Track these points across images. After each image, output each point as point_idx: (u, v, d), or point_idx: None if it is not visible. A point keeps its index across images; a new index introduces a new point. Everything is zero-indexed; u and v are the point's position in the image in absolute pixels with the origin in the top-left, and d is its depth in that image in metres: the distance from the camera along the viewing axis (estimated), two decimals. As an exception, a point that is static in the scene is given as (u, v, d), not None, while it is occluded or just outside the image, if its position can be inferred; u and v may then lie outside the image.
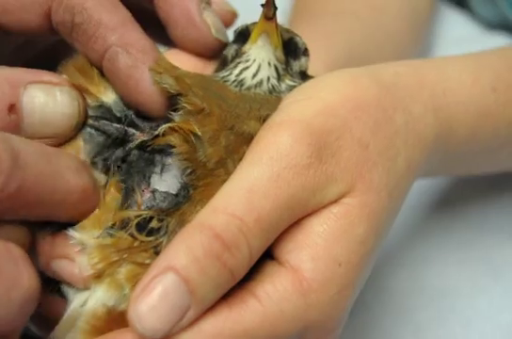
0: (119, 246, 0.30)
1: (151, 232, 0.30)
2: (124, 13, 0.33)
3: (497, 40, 0.69)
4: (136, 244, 0.30)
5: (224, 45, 0.37)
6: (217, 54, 0.37)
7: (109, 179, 0.32)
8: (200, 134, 0.30)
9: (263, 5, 0.33)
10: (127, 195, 0.31)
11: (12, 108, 0.30)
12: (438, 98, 0.37)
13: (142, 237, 0.30)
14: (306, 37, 0.38)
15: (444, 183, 0.57)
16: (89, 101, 0.33)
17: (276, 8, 0.33)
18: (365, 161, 0.31)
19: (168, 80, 0.32)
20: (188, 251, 0.27)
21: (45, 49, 0.40)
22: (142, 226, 0.30)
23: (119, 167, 0.32)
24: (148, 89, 0.32)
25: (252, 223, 0.28)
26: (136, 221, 0.30)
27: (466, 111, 0.38)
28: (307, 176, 0.30)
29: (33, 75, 0.31)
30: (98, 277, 0.30)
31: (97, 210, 0.31)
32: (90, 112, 0.33)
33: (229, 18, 0.39)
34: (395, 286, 0.50)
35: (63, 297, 0.31)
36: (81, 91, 0.32)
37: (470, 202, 0.55)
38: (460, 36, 0.71)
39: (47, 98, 0.31)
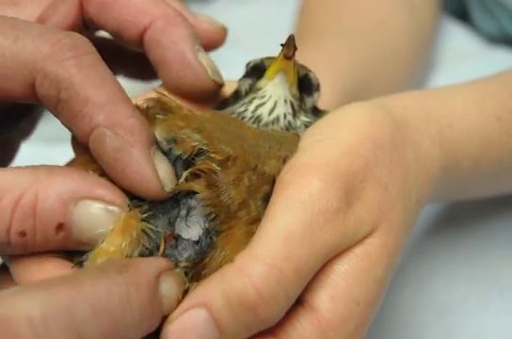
0: None
1: None
2: (113, 87, 0.31)
3: (499, 55, 0.70)
4: None
5: (220, 86, 0.36)
6: (213, 95, 0.37)
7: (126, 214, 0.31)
8: (218, 168, 0.30)
9: (282, 44, 0.33)
10: (148, 238, 0.30)
11: (60, 227, 0.29)
12: (444, 131, 0.38)
13: None
14: (310, 58, 0.39)
15: (450, 198, 0.57)
16: None
17: (296, 49, 0.33)
18: (386, 202, 0.32)
19: (194, 136, 0.31)
20: (223, 295, 0.28)
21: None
22: None
23: (140, 205, 0.31)
24: (137, 174, 0.30)
25: (291, 273, 0.28)
26: None
27: (471, 142, 0.39)
28: (337, 220, 0.30)
29: (87, 189, 0.30)
30: None
31: (111, 248, 0.30)
32: None
33: (220, 35, 0.39)
34: (402, 303, 0.51)
35: None
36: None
37: (475, 218, 0.56)
38: (463, 50, 0.72)
39: (95, 218, 0.30)
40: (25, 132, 0.42)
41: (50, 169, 0.30)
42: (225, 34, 0.39)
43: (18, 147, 0.42)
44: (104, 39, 0.40)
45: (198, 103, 0.36)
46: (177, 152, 0.31)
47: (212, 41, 0.38)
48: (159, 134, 0.32)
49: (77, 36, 0.32)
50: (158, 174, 0.30)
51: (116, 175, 0.30)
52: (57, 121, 0.42)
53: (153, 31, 0.35)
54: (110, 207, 0.30)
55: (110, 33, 0.36)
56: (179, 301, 0.29)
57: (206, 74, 0.35)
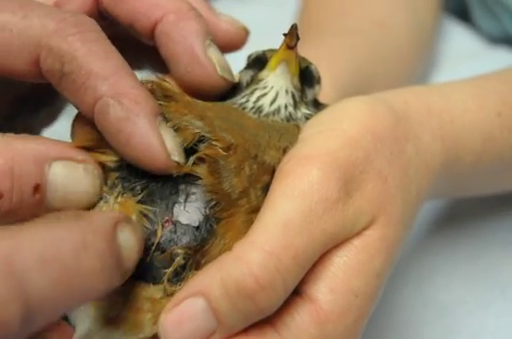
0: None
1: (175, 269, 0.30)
2: (117, 60, 0.31)
3: (500, 55, 0.70)
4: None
5: (229, 83, 0.36)
6: (221, 92, 0.36)
7: (122, 199, 0.31)
8: (225, 157, 0.30)
9: (285, 34, 0.33)
10: (148, 220, 0.30)
11: (37, 188, 0.29)
12: (445, 126, 0.38)
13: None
14: (311, 56, 0.39)
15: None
16: (109, 164, 0.32)
17: (298, 38, 0.33)
18: (385, 194, 0.32)
19: (196, 123, 0.31)
20: (221, 284, 0.28)
21: (34, 86, 0.39)
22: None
23: (142, 190, 0.31)
24: (141, 144, 0.30)
25: (290, 261, 0.28)
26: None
27: (472, 137, 0.39)
28: (336, 210, 0.30)
29: (57, 151, 0.30)
30: None
31: None
32: (114, 174, 0.31)
33: (241, 36, 0.39)
34: (401, 302, 0.51)
35: (69, 323, 0.31)
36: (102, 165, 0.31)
37: (477, 217, 0.56)
38: (464, 50, 0.72)
39: (70, 177, 0.30)
40: (46, 121, 0.42)
41: (19, 135, 0.30)
42: (246, 35, 0.39)
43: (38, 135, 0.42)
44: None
45: (205, 99, 0.36)
46: (178, 139, 0.31)
47: (232, 42, 0.38)
48: None
49: (83, 15, 0.32)
50: (165, 144, 0.30)
51: (120, 147, 0.30)
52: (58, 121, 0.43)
53: (164, 25, 0.35)
54: (82, 165, 0.30)
55: (123, 25, 0.36)
56: (138, 253, 0.28)
57: (214, 71, 0.35)
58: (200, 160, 0.31)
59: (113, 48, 0.31)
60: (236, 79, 0.37)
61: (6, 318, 0.22)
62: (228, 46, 0.38)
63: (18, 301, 0.23)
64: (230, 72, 0.36)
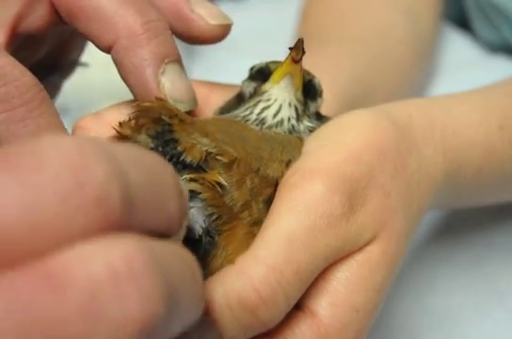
0: None
1: None
2: None
3: (499, 63, 0.70)
4: None
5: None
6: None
7: None
8: (225, 183, 0.30)
9: (290, 48, 0.33)
10: None
11: None
12: (447, 139, 0.38)
13: None
14: (312, 64, 0.39)
15: (449, 206, 0.57)
16: None
17: (304, 52, 0.33)
18: (388, 208, 0.32)
19: (203, 140, 0.31)
20: (223, 297, 0.28)
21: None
22: None
23: None
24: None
25: (292, 276, 0.28)
26: None
27: (473, 150, 0.39)
28: (340, 226, 0.30)
29: None
30: None
31: None
32: None
33: (216, 32, 0.37)
34: (401, 310, 0.51)
35: None
36: None
37: (475, 225, 0.56)
38: (464, 58, 0.72)
39: None
40: (56, 86, 0.44)
41: None
42: (223, 30, 0.37)
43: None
44: None
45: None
46: (187, 158, 0.31)
47: (207, 37, 0.37)
48: (160, 138, 0.32)
49: (17, 82, 0.31)
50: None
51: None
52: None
53: (117, 51, 0.34)
54: None
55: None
56: None
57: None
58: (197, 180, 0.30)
59: (45, 125, 0.30)
60: (230, 92, 0.37)
61: (105, 194, 0.20)
62: (205, 40, 0.37)
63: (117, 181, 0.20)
64: (185, 101, 0.35)
